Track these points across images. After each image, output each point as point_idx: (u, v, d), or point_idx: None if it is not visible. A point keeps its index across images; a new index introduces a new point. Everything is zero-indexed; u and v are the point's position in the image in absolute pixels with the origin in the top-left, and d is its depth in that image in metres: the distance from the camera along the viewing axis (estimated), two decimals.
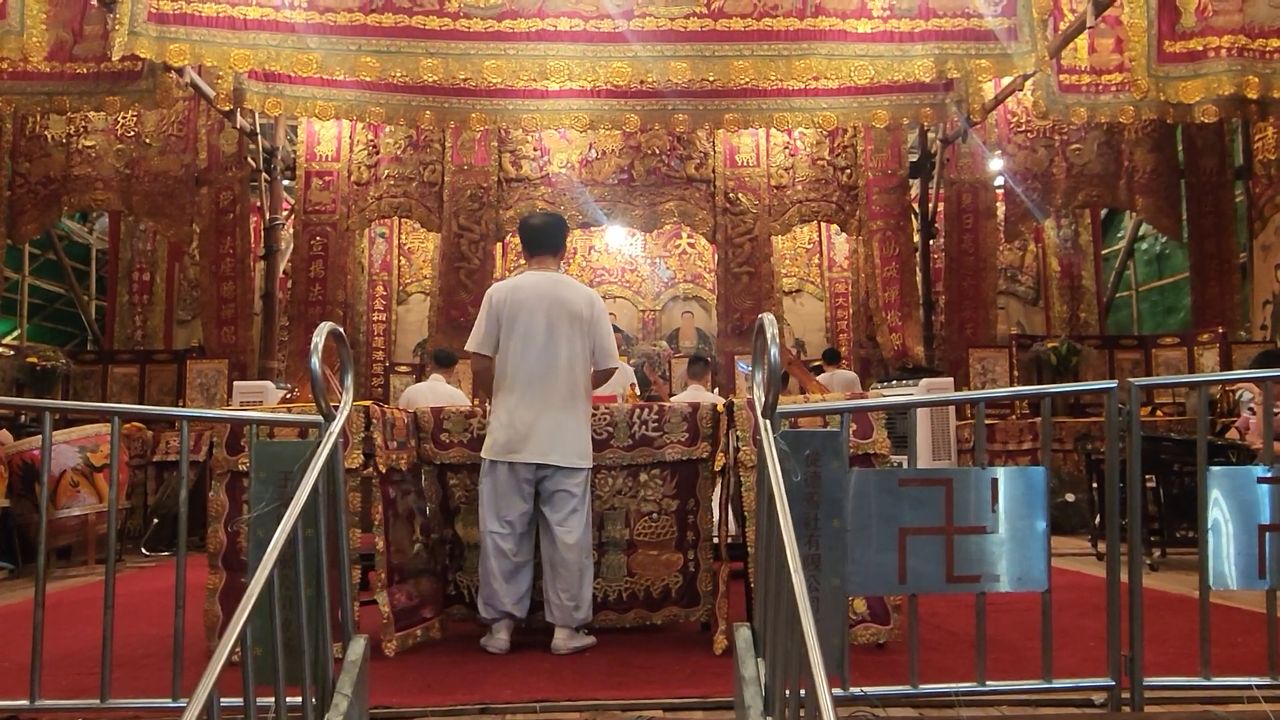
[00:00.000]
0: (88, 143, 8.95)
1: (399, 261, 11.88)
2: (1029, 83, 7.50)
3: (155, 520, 7.75)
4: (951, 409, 8.77)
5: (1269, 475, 2.54)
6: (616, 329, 6.14)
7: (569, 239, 4.75)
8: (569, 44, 5.98)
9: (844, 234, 10.50)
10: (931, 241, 9.76)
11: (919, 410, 8.46)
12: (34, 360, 8.55)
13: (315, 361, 2.33)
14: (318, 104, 7.46)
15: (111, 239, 11.19)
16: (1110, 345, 9.63)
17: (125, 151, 8.96)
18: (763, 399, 2.34)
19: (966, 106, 7.73)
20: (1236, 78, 6.02)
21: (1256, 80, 6.02)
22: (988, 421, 8.12)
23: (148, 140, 8.96)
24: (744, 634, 2.37)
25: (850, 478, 2.43)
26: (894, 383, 8.81)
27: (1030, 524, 2.49)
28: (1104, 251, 11.95)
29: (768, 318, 2.33)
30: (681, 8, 6.02)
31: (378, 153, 9.41)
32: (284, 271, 9.78)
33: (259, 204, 9.52)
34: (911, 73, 6.08)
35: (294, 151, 9.50)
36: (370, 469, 3.46)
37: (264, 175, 9.21)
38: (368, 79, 6.17)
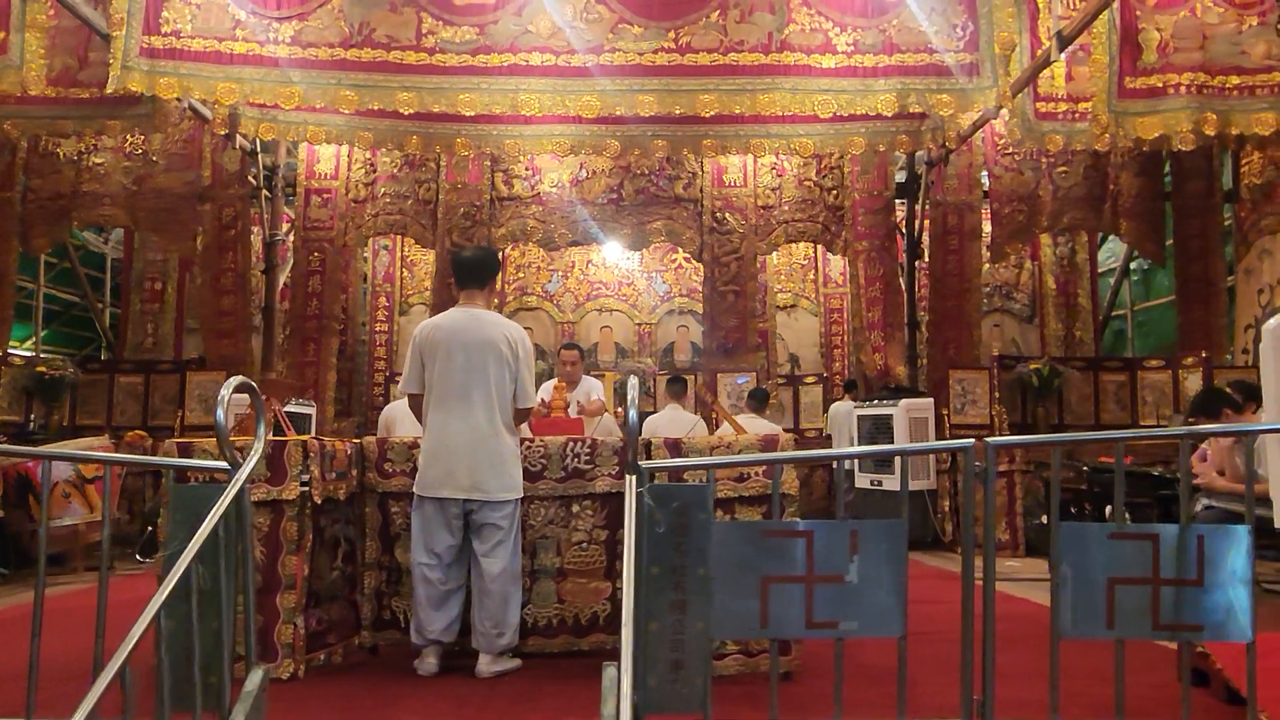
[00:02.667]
0: (97, 160, 9.28)
1: (401, 273, 12.17)
2: (1005, 109, 7.60)
3: (150, 528, 8.06)
4: (931, 426, 8.92)
5: (1119, 531, 2.69)
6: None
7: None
8: (540, 78, 6.20)
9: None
10: (917, 262, 9.86)
11: (897, 429, 8.64)
12: (43, 370, 8.92)
13: (220, 414, 2.54)
14: (309, 129, 7.74)
15: (126, 249, 11.57)
16: (1095, 367, 9.68)
17: (132, 169, 9.29)
18: (632, 456, 2.52)
19: (942, 135, 7.85)
20: (1194, 115, 6.10)
21: (1214, 117, 6.10)
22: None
23: (154, 158, 9.28)
24: (609, 673, 2.55)
25: (715, 529, 2.61)
26: (873, 402, 8.95)
27: (888, 573, 2.65)
28: (1100, 270, 11.98)
29: (631, 380, 2.51)
30: (651, 43, 6.21)
31: (374, 171, 9.69)
32: (284, 284, 10.08)
33: (262, 219, 9.85)
34: (874, 107, 6.23)
35: (294, 168, 9.80)
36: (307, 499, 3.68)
37: (264, 192, 9.52)
38: (346, 111, 6.41)
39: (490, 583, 3.64)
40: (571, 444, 4.05)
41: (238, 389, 2.61)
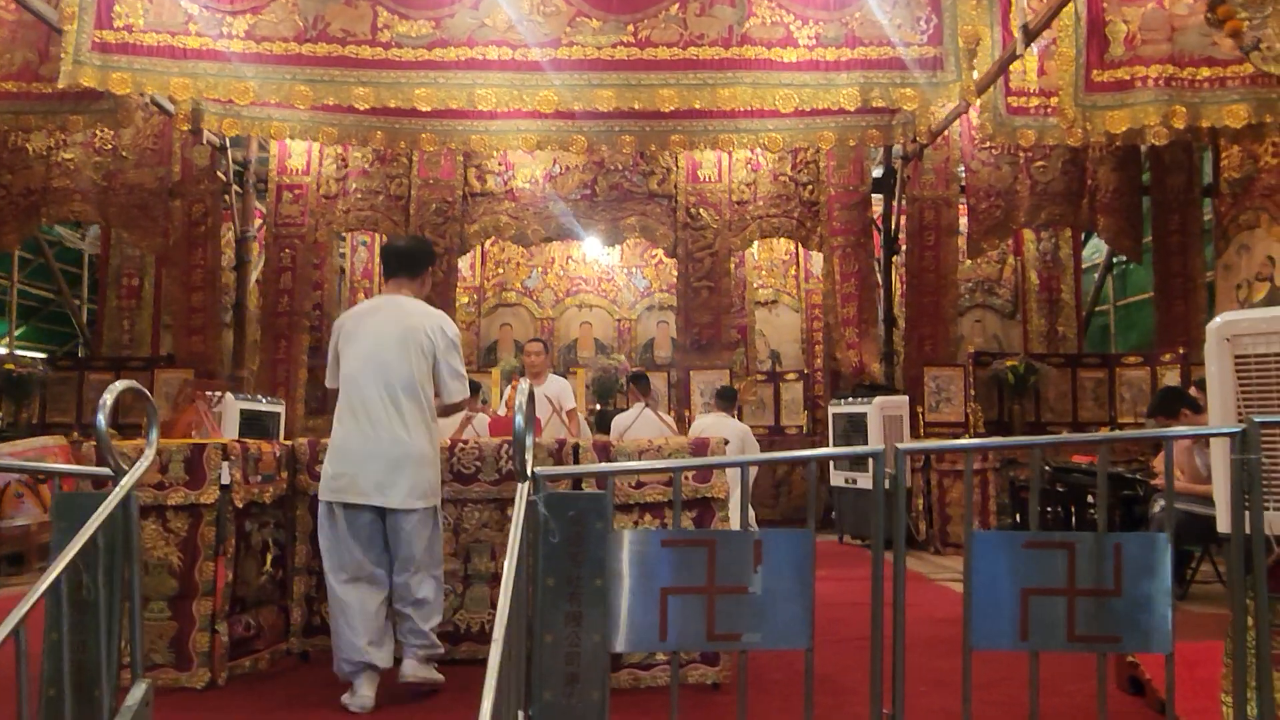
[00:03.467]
0: (67, 155, 9.20)
1: (379, 269, 12.10)
2: (977, 102, 7.50)
3: None
4: (906, 425, 8.83)
5: (1034, 540, 2.61)
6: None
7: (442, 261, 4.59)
8: (497, 73, 6.11)
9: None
10: (894, 258, 9.76)
11: (871, 427, 8.56)
12: (11, 367, 8.85)
13: (101, 419, 2.46)
14: (273, 124, 7.65)
15: (103, 245, 11.47)
16: (1073, 364, 9.59)
17: (102, 164, 9.21)
18: (520, 463, 2.44)
19: (913, 129, 7.75)
20: (1163, 108, 6.00)
21: (1184, 110, 6.00)
22: (940, 442, 8.15)
23: (124, 154, 9.20)
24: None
25: (613, 539, 2.53)
26: (849, 399, 8.86)
27: (794, 584, 2.57)
28: (1085, 265, 11.87)
29: (524, 383, 2.43)
30: (609, 37, 6.12)
31: (346, 166, 9.61)
32: (256, 281, 10.00)
33: (233, 215, 9.76)
34: (837, 101, 6.14)
35: (266, 163, 9.71)
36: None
37: (235, 188, 9.44)
38: (302, 107, 6.33)
39: (405, 600, 3.36)
40: (506, 446, 3.97)
41: (124, 392, 2.54)
